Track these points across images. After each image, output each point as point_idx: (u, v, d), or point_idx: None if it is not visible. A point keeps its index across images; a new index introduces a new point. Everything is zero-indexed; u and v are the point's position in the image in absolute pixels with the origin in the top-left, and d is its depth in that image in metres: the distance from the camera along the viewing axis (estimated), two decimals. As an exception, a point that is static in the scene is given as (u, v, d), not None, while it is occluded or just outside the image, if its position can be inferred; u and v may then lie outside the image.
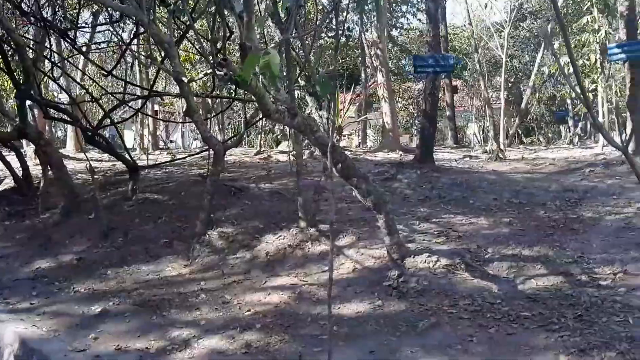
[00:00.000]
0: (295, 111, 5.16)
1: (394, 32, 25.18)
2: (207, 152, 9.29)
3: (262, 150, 16.28)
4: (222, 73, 4.14)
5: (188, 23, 7.33)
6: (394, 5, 21.03)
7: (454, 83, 22.83)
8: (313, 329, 4.69)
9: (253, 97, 4.53)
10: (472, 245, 6.11)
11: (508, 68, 24.96)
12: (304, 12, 8.62)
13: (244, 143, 21.63)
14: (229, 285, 5.95)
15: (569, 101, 20.24)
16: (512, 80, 24.81)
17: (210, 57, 4.30)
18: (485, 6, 18.79)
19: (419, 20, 25.83)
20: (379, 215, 5.68)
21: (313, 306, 5.16)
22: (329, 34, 18.79)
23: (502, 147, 11.96)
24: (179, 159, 11.78)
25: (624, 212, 6.86)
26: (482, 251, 5.98)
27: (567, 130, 19.68)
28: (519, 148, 16.98)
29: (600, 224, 6.62)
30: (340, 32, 6.80)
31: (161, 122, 22.87)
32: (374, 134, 29.48)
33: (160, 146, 21.56)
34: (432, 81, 9.99)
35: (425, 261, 5.63)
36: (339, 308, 5.07)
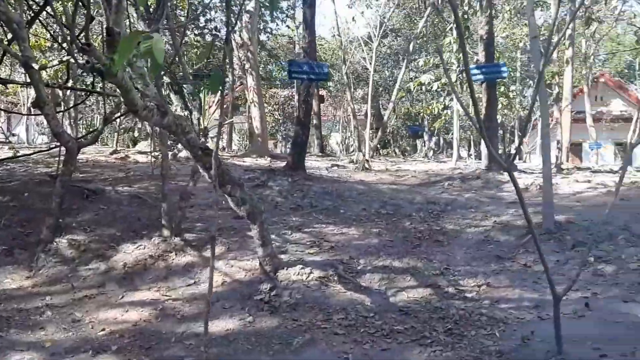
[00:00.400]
0: (166, 109, 4.70)
1: (262, 37, 25.04)
2: (56, 149, 8.35)
3: (118, 149, 15.14)
4: (84, 61, 3.60)
5: (42, 3, 6.47)
6: (263, 9, 20.84)
7: (320, 93, 23.21)
8: (178, 349, 4.28)
9: (117, 90, 4.00)
10: (345, 256, 6.05)
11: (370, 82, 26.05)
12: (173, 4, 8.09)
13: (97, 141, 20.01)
14: (79, 300, 5.29)
15: (425, 117, 21.49)
16: (372, 93, 25.89)
17: (70, 43, 3.72)
18: (353, 19, 19.35)
19: (288, 26, 25.94)
20: (253, 226, 5.39)
21: (177, 324, 4.73)
22: (195, 32, 18.13)
23: (367, 157, 12.24)
24: (23, 155, 10.45)
25: (482, 225, 7.23)
26: (354, 262, 5.93)
27: (423, 144, 20.88)
28: (380, 159, 17.62)
29: (462, 236, 6.91)
30: (207, 30, 6.40)
31: (2, 113, 20.50)
32: (239, 138, 29.08)
33: (0, 140, 19.29)
34: (306, 88, 9.90)
35: (298, 273, 5.46)
36: (207, 325, 4.69)
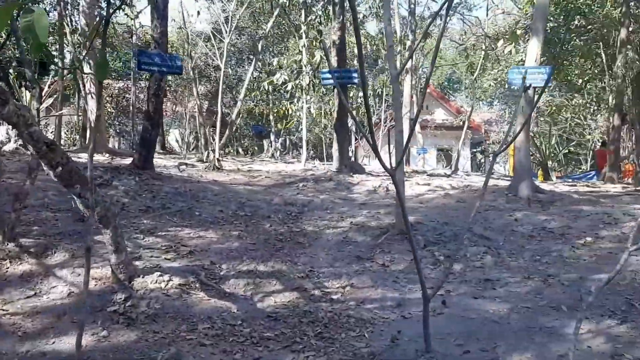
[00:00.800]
0: (7, 97, 4.07)
1: (97, 24, 23.19)
2: None
3: None
4: None
5: None
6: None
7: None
8: (19, 374, 3.72)
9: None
10: (206, 262, 5.76)
11: (212, 79, 25.53)
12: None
13: None
14: None
15: (271, 117, 21.56)
16: (222, 90, 25.38)
17: None
18: (198, 13, 18.73)
19: (126, 15, 24.38)
20: (105, 230, 4.90)
21: (20, 343, 4.11)
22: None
23: (218, 157, 11.90)
24: None
25: (340, 227, 7.37)
26: (216, 268, 5.67)
27: (270, 144, 20.94)
28: (227, 159, 17.21)
29: (322, 237, 6.97)
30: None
31: None
32: (66, 131, 26.67)
33: None
34: (157, 81, 9.27)
35: (156, 281, 5.09)
36: (54, 342, 4.18)
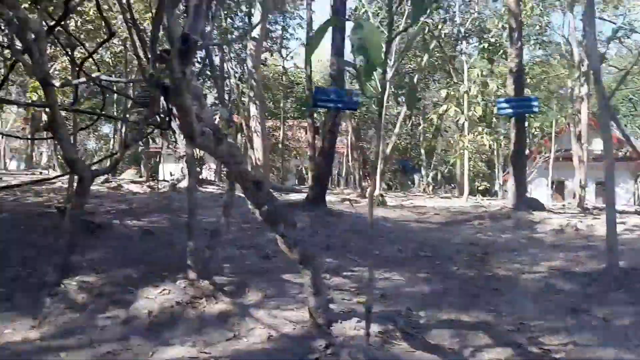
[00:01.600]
0: (222, 136, 4.04)
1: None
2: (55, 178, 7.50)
3: (109, 178, 14.16)
4: (148, 75, 2.94)
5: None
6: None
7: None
8: None
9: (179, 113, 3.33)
10: (401, 307, 5.33)
11: (357, 115, 25.63)
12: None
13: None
14: (102, 357, 4.42)
15: (422, 151, 21.07)
16: (355, 126, 25.45)
17: (150, 49, 3.04)
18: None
19: (282, 56, 25.63)
20: (306, 271, 4.67)
21: (229, 391, 3.94)
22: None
23: (381, 192, 11.62)
24: (25, 183, 8.93)
25: (537, 271, 6.61)
26: (414, 315, 5.22)
27: (421, 178, 20.40)
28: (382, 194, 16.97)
29: (520, 284, 6.26)
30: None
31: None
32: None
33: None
34: (332, 117, 9.26)
35: (354, 327, 4.73)
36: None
